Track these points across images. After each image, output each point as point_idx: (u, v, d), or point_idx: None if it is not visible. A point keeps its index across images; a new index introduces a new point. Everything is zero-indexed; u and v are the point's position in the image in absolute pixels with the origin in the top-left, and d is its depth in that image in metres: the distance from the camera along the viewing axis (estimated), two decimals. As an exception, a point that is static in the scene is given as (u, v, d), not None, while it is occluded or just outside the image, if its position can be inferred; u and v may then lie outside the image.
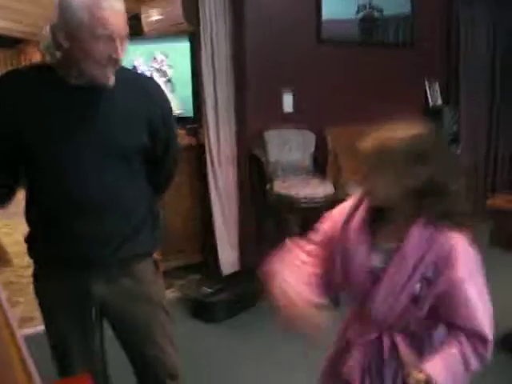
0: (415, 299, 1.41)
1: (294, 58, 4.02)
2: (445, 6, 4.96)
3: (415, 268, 1.39)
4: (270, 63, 3.91)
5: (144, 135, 1.71)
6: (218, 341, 3.33)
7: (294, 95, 4.03)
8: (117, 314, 1.82)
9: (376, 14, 4.42)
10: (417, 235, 1.40)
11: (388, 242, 1.46)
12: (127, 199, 1.73)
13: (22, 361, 0.83)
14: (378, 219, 1.50)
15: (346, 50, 4.30)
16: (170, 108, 1.85)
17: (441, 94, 4.96)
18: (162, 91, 1.82)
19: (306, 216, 3.52)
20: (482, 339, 1.37)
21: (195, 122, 4.16)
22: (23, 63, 8.93)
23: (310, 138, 3.99)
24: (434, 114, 4.78)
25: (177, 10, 4.05)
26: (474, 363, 1.38)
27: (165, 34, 4.47)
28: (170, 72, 4.37)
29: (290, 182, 3.65)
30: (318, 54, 4.15)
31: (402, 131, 1.43)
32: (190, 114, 4.23)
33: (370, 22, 4.40)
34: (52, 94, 1.61)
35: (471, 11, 5.04)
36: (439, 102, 4.92)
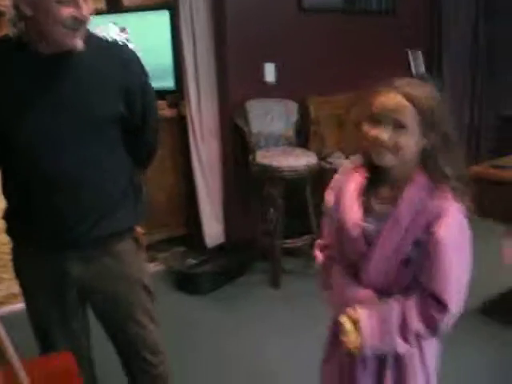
0: (406, 262, 1.40)
1: (276, 27, 3.97)
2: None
3: (407, 230, 1.38)
4: (251, 33, 3.86)
5: (120, 104, 1.66)
6: (202, 313, 3.35)
7: (275, 65, 3.99)
8: (96, 293, 1.79)
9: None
10: (411, 196, 1.38)
11: (382, 204, 1.45)
12: (105, 172, 1.68)
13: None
14: (373, 182, 1.48)
15: (328, 18, 4.25)
16: (147, 76, 1.79)
17: (424, 62, 4.94)
18: (138, 59, 1.76)
19: (290, 186, 3.52)
20: (441, 305, 1.35)
21: (176, 93, 4.11)
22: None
23: (292, 108, 3.97)
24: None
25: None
26: (417, 324, 1.37)
27: (144, 5, 4.39)
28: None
29: (273, 153, 3.64)
30: (299, 22, 4.10)
31: (424, 87, 1.41)
32: (171, 85, 4.18)
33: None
34: (19, 66, 1.56)
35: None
36: (422, 70, 4.91)
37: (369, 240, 1.45)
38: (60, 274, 1.71)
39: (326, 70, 4.25)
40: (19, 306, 3.47)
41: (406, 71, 4.85)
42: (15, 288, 3.74)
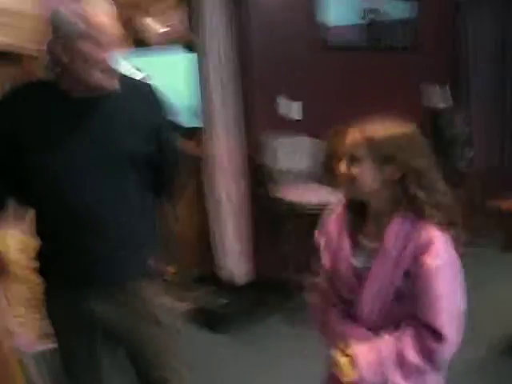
0: (399, 296, 1.41)
1: (301, 65, 4.02)
2: (450, 10, 4.93)
3: (396, 263, 1.39)
4: (275, 71, 3.91)
5: (146, 142, 1.70)
6: (231, 352, 3.32)
7: (300, 102, 4.02)
8: (121, 333, 1.79)
9: (381, 18, 4.41)
10: (396, 230, 1.41)
11: (370, 242, 1.48)
12: (131, 209, 1.70)
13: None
14: (359, 219, 1.52)
15: (352, 55, 4.30)
16: (172, 114, 1.86)
17: (450, 96, 4.93)
18: (161, 96, 1.81)
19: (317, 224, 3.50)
20: (436, 334, 1.34)
21: (200, 132, 4.15)
22: (26, 79, 8.98)
23: (318, 145, 3.98)
24: (444, 118, 4.74)
25: (182, 21, 4.06)
26: (414, 357, 1.36)
27: (168, 45, 4.48)
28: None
29: (300, 190, 3.64)
30: (324, 60, 4.14)
31: (386, 125, 1.48)
32: (199, 125, 4.22)
33: (374, 27, 4.39)
34: (53, 107, 1.61)
35: (478, 13, 5.01)
36: (449, 104, 4.89)
37: (360, 277, 1.47)
38: (86, 311, 1.72)
39: (352, 107, 4.25)
40: (50, 346, 3.51)
41: (431, 106, 4.84)
42: (46, 328, 3.79)
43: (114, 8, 1.58)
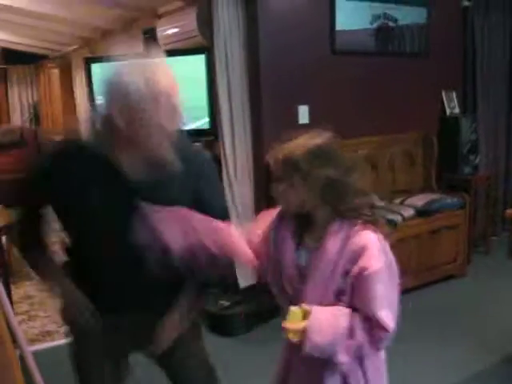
0: (339, 293, 1.48)
1: (309, 69, 4.02)
2: (460, 15, 4.93)
3: (336, 263, 1.47)
4: (284, 75, 3.91)
5: (190, 200, 1.64)
6: (233, 355, 3.31)
7: (309, 107, 4.03)
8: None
9: (391, 23, 4.41)
10: (334, 233, 1.49)
11: (314, 242, 1.55)
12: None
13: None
14: (302, 223, 1.59)
15: (360, 60, 4.29)
16: (216, 176, 1.86)
17: (458, 103, 4.93)
18: (214, 166, 1.81)
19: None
20: (379, 325, 1.43)
21: (211, 134, 4.17)
22: (42, 79, 9.06)
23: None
24: (451, 124, 4.74)
25: (191, 23, 4.08)
26: (363, 337, 1.43)
27: (180, 48, 4.50)
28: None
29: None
30: (332, 65, 4.15)
31: (302, 141, 1.53)
32: (206, 126, 4.25)
33: (384, 32, 4.39)
34: (92, 171, 1.54)
35: (486, 20, 5.00)
36: (456, 111, 4.89)
37: (301, 274, 1.55)
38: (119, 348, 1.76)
39: (360, 112, 4.27)
40: (52, 344, 3.53)
41: (440, 112, 4.84)
42: (49, 326, 3.81)
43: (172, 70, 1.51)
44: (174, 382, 1.92)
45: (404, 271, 4.47)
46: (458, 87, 5.00)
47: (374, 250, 1.45)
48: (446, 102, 4.85)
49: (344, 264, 1.46)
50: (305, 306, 1.45)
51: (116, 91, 1.44)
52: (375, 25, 4.33)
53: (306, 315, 1.44)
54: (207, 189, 1.71)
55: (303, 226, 1.59)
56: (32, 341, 3.55)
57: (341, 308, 1.47)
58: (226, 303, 3.72)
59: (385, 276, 1.45)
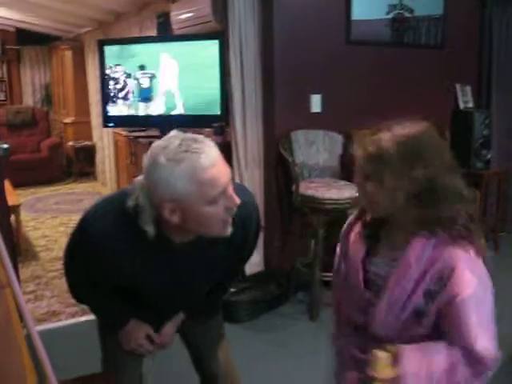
0: (418, 314, 1.34)
1: (323, 58, 3.99)
2: (477, 8, 4.87)
3: (418, 282, 1.32)
4: (298, 63, 3.89)
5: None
6: (239, 341, 3.31)
7: (321, 96, 4.00)
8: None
9: (407, 14, 4.36)
10: (419, 248, 1.32)
11: (387, 256, 1.41)
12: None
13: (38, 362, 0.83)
14: (377, 233, 1.45)
15: (375, 50, 4.25)
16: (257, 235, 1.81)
17: (472, 97, 4.88)
18: (258, 213, 1.75)
19: (332, 218, 3.49)
20: (480, 358, 1.29)
21: (223, 120, 4.16)
22: (54, 61, 9.05)
23: (338, 140, 3.96)
24: (464, 118, 4.70)
25: (206, 8, 4.05)
26: (464, 371, 1.29)
27: (194, 34, 4.48)
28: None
29: (316, 184, 3.63)
30: (346, 54, 4.11)
31: (396, 132, 1.35)
32: (218, 112, 4.23)
33: (400, 23, 4.34)
34: (153, 254, 1.53)
35: (504, 13, 4.94)
36: (470, 105, 4.84)
37: (376, 286, 1.41)
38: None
39: (372, 103, 4.24)
40: (58, 324, 3.56)
41: (454, 106, 4.80)
42: (55, 306, 3.84)
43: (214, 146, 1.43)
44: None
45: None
46: (473, 81, 4.95)
47: (465, 273, 1.28)
48: (459, 96, 4.80)
49: (427, 284, 1.31)
50: (391, 348, 1.29)
51: (164, 191, 1.36)
52: (391, 15, 4.29)
53: (393, 357, 1.27)
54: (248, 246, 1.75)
55: (378, 231, 1.45)
56: (38, 320, 3.58)
57: (432, 344, 1.31)
58: (232, 289, 3.72)
59: (478, 300, 1.29)
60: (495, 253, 4.81)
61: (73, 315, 3.66)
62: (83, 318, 3.50)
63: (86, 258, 1.56)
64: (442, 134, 4.58)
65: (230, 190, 1.41)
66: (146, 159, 1.39)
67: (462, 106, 4.80)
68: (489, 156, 4.76)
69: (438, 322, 1.33)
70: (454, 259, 1.29)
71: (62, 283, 3.99)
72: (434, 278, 1.30)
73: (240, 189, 1.61)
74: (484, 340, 1.28)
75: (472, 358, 1.28)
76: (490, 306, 1.33)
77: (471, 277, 1.29)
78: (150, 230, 1.43)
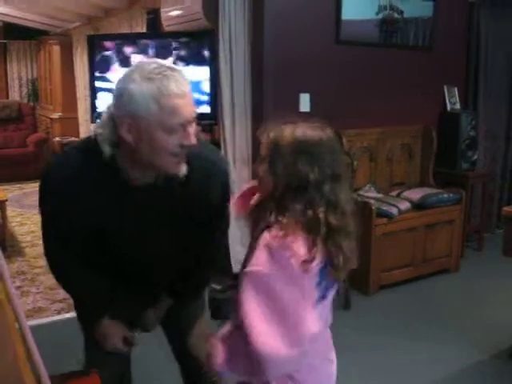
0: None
1: (312, 57, 4.01)
2: (466, 11, 4.91)
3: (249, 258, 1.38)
4: (287, 62, 3.90)
5: (207, 218, 1.70)
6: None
7: (310, 95, 4.02)
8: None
9: (396, 15, 4.39)
10: (260, 231, 1.35)
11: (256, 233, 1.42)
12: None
13: (30, 356, 0.82)
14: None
15: (364, 51, 4.28)
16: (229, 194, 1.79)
17: (459, 98, 4.92)
18: (228, 178, 1.76)
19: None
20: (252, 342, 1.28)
21: (211, 118, 4.15)
22: (42, 55, 8.99)
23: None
24: (451, 119, 4.74)
25: (196, 5, 4.05)
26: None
27: (184, 31, 4.47)
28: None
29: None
30: (336, 54, 4.13)
31: (300, 128, 1.40)
32: (207, 110, 4.23)
33: (389, 24, 4.37)
34: (114, 197, 1.53)
35: (492, 15, 4.98)
36: (457, 106, 4.88)
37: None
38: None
39: (361, 103, 4.26)
40: (44, 320, 3.54)
41: (441, 107, 4.84)
42: (41, 302, 3.81)
43: (188, 82, 1.43)
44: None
45: (398, 263, 4.47)
46: (460, 83, 4.99)
47: (263, 252, 1.29)
48: (447, 97, 4.85)
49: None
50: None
51: (126, 104, 1.37)
52: (380, 16, 4.31)
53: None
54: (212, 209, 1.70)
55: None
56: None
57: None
58: (217, 287, 3.72)
59: (265, 285, 1.28)
60: (479, 253, 4.87)
61: (58, 312, 3.65)
62: (69, 315, 3.49)
63: (53, 209, 1.56)
64: (429, 134, 4.62)
65: (190, 130, 1.41)
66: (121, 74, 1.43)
67: (449, 107, 4.84)
68: (475, 157, 4.81)
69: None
70: (263, 239, 1.31)
71: (48, 279, 3.98)
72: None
73: (212, 149, 1.72)
74: (262, 334, 1.27)
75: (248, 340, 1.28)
76: (285, 303, 1.27)
77: (268, 258, 1.27)
78: (106, 150, 1.45)
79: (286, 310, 1.27)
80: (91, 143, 1.48)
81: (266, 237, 1.30)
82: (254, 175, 1.46)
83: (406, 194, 4.29)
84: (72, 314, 3.36)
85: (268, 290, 1.28)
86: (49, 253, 1.69)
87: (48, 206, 1.58)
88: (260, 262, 1.29)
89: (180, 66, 4.35)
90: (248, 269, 1.31)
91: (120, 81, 1.40)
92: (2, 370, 0.82)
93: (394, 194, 4.34)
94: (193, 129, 1.42)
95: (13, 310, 0.82)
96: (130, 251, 1.65)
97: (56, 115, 8.56)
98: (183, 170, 1.50)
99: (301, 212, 1.32)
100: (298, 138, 1.37)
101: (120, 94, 1.38)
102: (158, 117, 1.36)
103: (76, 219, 1.55)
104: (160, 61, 1.43)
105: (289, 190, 1.34)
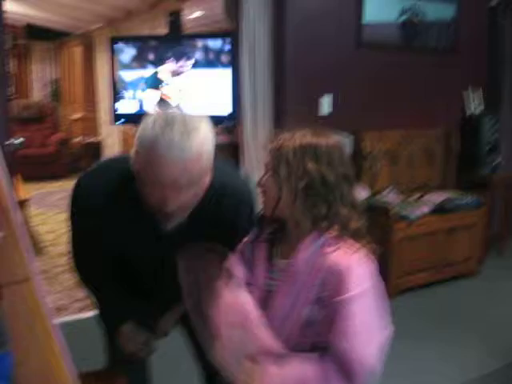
0: (309, 323, 1.26)
1: (333, 60, 4.00)
2: (487, 12, 4.86)
3: (304, 286, 1.26)
4: (309, 65, 3.90)
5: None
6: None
7: (332, 98, 4.01)
8: None
9: (418, 18, 4.36)
10: (306, 249, 1.27)
11: (283, 260, 1.35)
12: None
13: (60, 353, 0.83)
14: (278, 237, 1.40)
15: (385, 54, 4.26)
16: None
17: (481, 102, 4.87)
18: (254, 204, 1.65)
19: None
20: (348, 367, 1.20)
21: (232, 120, 4.17)
22: (64, 56, 9.08)
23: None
24: (473, 123, 4.70)
25: (218, 7, 4.06)
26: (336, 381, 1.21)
27: (205, 32, 4.50)
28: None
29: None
30: (357, 57, 4.12)
31: (303, 134, 1.35)
32: (229, 111, 4.24)
33: (411, 27, 4.34)
34: (141, 226, 1.53)
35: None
36: (480, 109, 4.83)
37: (269, 296, 1.34)
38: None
39: (382, 105, 4.24)
40: (65, 319, 3.57)
41: (463, 110, 4.79)
42: (62, 301, 3.84)
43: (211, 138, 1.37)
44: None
45: (418, 267, 4.42)
46: (483, 86, 4.94)
47: (353, 274, 1.23)
48: (471, 100, 4.80)
49: (316, 288, 1.25)
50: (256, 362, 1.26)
51: (137, 144, 1.36)
52: (402, 18, 4.28)
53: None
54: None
55: (278, 242, 1.39)
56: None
57: (300, 355, 1.24)
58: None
59: (362, 304, 1.22)
60: (501, 258, 4.81)
61: (79, 310, 3.68)
62: (90, 314, 3.51)
63: (80, 217, 1.58)
64: (451, 138, 4.58)
65: (169, 195, 1.32)
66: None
67: (471, 110, 4.79)
68: (496, 161, 4.75)
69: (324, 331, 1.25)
70: (341, 263, 1.24)
71: (69, 278, 4.01)
72: (321, 284, 1.25)
73: (237, 175, 1.71)
74: (361, 348, 1.21)
75: (343, 367, 1.20)
76: (376, 313, 1.26)
77: (361, 280, 1.23)
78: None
79: (377, 322, 1.27)
80: (127, 177, 1.42)
81: (349, 259, 1.24)
82: (260, 185, 1.38)
83: (427, 197, 4.25)
84: (92, 313, 3.38)
85: (364, 310, 1.23)
86: (76, 262, 1.74)
87: (74, 223, 1.63)
88: (356, 286, 1.22)
89: (201, 69, 4.38)
90: (342, 299, 1.21)
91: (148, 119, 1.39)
92: (41, 368, 0.83)
93: (414, 197, 4.31)
94: (176, 197, 1.33)
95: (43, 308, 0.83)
96: (149, 271, 1.69)
97: (77, 115, 8.65)
98: (169, 227, 1.48)
99: (336, 216, 1.29)
100: (301, 142, 1.33)
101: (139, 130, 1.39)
102: (144, 167, 1.32)
103: (99, 242, 1.59)
104: (179, 114, 1.38)
105: (308, 194, 1.29)
